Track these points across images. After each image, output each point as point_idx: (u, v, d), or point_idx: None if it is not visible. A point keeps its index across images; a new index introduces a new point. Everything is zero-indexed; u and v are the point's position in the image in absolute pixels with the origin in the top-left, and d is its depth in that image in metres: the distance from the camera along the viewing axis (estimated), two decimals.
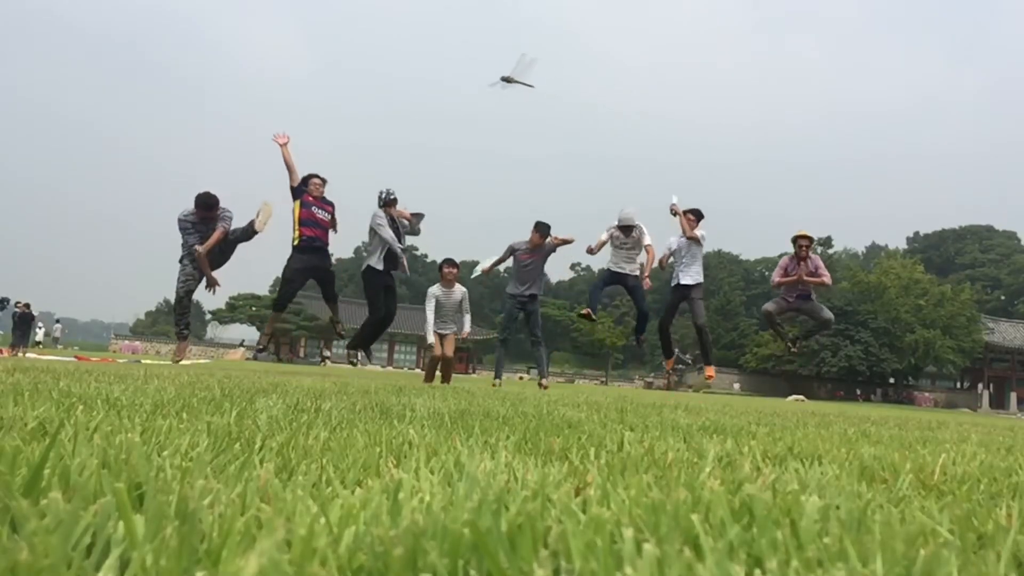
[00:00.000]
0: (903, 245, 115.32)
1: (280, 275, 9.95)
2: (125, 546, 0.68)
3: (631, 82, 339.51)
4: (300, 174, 9.72)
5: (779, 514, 0.94)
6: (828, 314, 10.62)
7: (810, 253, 10.37)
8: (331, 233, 9.92)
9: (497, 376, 11.23)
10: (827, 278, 10.42)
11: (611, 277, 10.68)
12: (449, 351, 10.50)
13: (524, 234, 10.58)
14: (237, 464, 1.15)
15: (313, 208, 9.64)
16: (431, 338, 10.36)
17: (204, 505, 0.74)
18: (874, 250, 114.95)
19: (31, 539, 0.60)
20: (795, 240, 10.53)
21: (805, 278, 10.24)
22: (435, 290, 10.48)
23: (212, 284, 9.55)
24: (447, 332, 10.54)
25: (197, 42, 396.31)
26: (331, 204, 9.90)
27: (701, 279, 10.63)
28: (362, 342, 10.47)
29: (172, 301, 10.88)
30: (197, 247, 9.25)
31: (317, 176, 9.88)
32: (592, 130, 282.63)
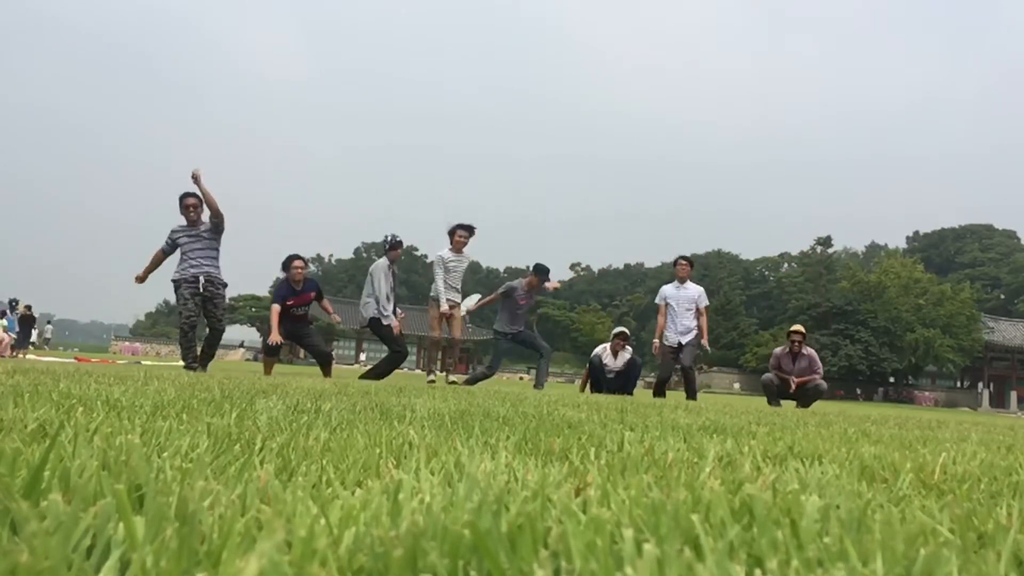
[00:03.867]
0: (903, 244, 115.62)
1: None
2: (125, 548, 0.68)
3: (628, 84, 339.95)
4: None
5: (779, 514, 0.94)
6: (823, 386, 10.99)
7: (803, 349, 10.70)
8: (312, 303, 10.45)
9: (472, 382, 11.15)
10: (818, 376, 10.85)
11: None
12: (456, 333, 10.58)
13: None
14: (237, 465, 1.15)
15: (292, 310, 10.09)
16: (444, 305, 10.38)
17: (204, 507, 0.74)
18: (874, 249, 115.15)
19: (31, 541, 0.60)
20: (789, 335, 11.03)
21: (794, 383, 10.70)
22: (446, 255, 10.49)
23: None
24: (455, 301, 10.65)
25: (196, 43, 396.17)
26: (312, 289, 10.32)
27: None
28: (376, 377, 10.41)
29: (171, 303, 10.85)
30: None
31: (299, 257, 10.17)
32: (592, 131, 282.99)
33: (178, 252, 9.20)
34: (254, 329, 72.66)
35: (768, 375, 10.96)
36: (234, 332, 77.77)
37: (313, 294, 10.35)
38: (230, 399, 2.98)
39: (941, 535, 1.06)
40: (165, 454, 1.21)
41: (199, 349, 9.40)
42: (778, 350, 11.07)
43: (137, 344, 68.54)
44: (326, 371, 10.28)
